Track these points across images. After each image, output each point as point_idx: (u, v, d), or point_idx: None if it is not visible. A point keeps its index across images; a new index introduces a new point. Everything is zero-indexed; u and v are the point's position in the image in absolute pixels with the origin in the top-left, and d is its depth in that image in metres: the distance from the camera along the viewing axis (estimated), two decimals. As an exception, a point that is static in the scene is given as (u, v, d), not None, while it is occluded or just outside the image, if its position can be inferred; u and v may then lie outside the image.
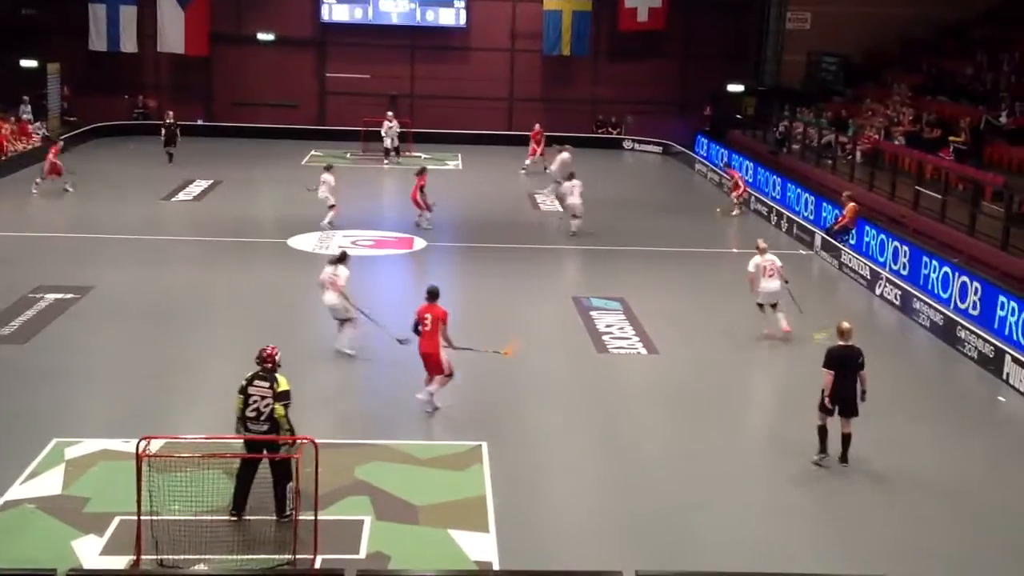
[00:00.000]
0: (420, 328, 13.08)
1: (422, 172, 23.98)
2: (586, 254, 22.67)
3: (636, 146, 38.82)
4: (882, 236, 21.57)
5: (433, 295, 13.26)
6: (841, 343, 12.08)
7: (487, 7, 38.61)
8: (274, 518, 10.15)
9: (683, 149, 36.88)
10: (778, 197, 27.92)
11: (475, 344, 13.76)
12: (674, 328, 17.24)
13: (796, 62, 37.37)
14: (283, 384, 10.28)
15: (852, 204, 22.82)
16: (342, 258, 15.28)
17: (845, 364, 11.93)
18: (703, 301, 19.27)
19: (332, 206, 23.10)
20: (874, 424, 12.64)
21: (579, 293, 18.92)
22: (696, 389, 14.65)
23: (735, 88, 37.47)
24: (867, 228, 22.30)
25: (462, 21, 38.46)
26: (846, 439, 12.00)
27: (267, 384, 10.24)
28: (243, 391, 10.27)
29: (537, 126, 33.71)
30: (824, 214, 24.42)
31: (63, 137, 33.88)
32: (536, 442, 12.77)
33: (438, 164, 33.96)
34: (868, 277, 20.26)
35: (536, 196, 28.87)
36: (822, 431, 12.05)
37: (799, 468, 12.02)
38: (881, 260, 21.10)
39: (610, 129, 39.37)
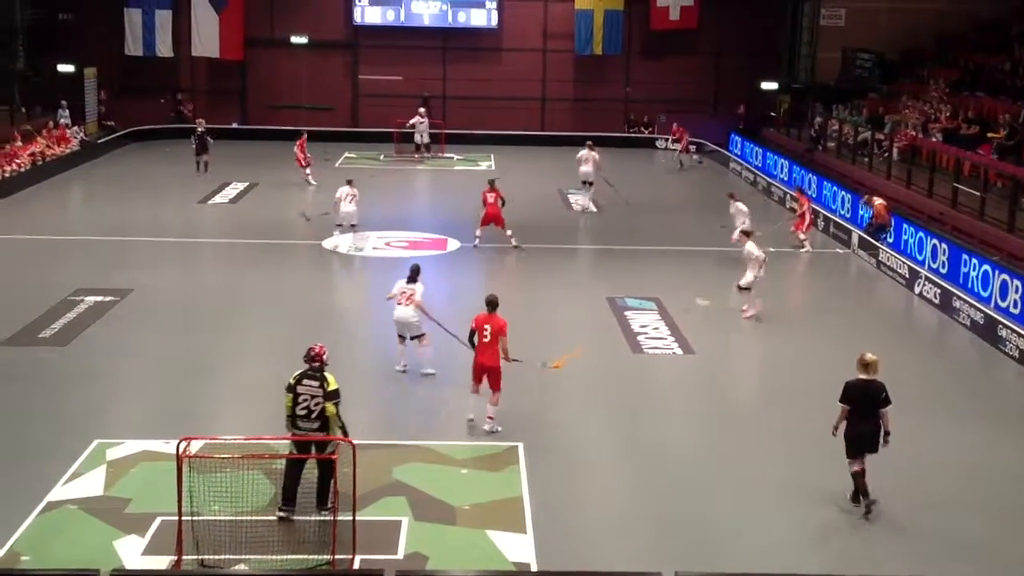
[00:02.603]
0: (476, 339, 12.66)
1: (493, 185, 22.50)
2: (620, 254, 22.61)
3: (669, 145, 38.64)
4: (920, 234, 21.35)
5: (493, 304, 12.70)
6: (863, 376, 10.83)
7: (519, 8, 38.62)
8: (313, 518, 10.20)
9: (717, 148, 36.71)
10: (814, 196, 27.68)
11: (526, 356, 13.36)
12: (710, 328, 17.16)
13: (831, 59, 37.07)
14: (332, 383, 10.36)
15: (879, 201, 22.63)
16: (416, 273, 14.63)
17: (865, 400, 10.76)
18: (739, 301, 19.14)
19: (339, 224, 22.09)
20: (913, 422, 12.51)
21: (613, 293, 18.87)
22: (732, 390, 14.59)
23: (769, 86, 37.24)
24: (905, 226, 22.09)
25: (494, 22, 38.50)
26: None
27: (317, 383, 10.32)
28: (291, 389, 10.34)
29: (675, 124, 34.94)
30: (861, 212, 24.21)
31: (100, 141, 34.35)
32: (572, 443, 12.75)
33: (471, 165, 34.05)
34: (907, 276, 20.06)
35: (569, 196, 28.83)
36: (857, 478, 10.87)
37: (834, 471, 11.90)
38: (920, 258, 20.89)
39: (642, 128, 39.25)
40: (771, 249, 23.28)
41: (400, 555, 9.84)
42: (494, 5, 38.27)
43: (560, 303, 18.68)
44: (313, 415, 10.28)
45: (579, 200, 27.29)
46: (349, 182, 22.05)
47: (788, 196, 27.76)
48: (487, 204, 22.09)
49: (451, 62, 38.86)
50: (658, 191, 30.85)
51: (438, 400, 13.79)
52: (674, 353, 15.90)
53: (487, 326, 12.62)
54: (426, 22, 38.44)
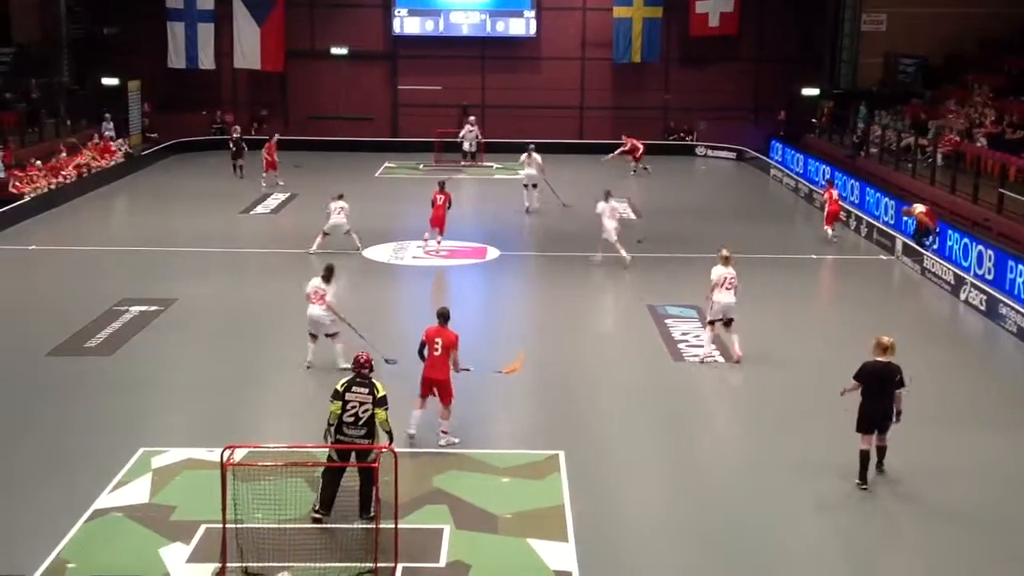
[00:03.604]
0: (427, 352, 12.35)
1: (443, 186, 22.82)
2: (660, 261, 22.50)
3: (709, 152, 38.51)
4: (965, 240, 21.08)
5: (444, 317, 12.48)
6: (879, 359, 11.22)
7: (557, 16, 38.68)
8: (356, 526, 10.23)
9: (757, 155, 36.50)
10: (857, 202, 27.45)
11: (475, 365, 12.98)
12: (753, 336, 16.98)
13: (873, 64, 36.78)
14: (381, 389, 10.43)
15: (920, 208, 22.39)
16: (330, 272, 14.98)
17: (880, 381, 11.14)
18: (780, 307, 19.02)
19: (326, 233, 22.24)
20: (958, 430, 12.34)
21: (654, 301, 18.79)
22: (774, 398, 14.44)
23: (810, 92, 36.99)
24: (950, 232, 21.81)
25: (532, 31, 38.57)
26: (881, 451, 11.53)
27: (366, 390, 10.37)
28: (339, 396, 10.37)
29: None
30: (904, 220, 23.94)
31: (144, 153, 34.81)
32: (613, 451, 12.71)
33: (510, 173, 34.07)
34: (952, 282, 19.80)
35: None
36: (863, 457, 11.34)
37: (882, 482, 11.77)
38: (965, 265, 20.61)
39: (681, 135, 39.13)
40: (814, 256, 23.30)
41: (442, 563, 9.85)
42: (532, 14, 38.35)
43: (600, 311, 18.64)
44: (361, 422, 10.33)
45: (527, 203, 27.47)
46: (340, 196, 22.10)
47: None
48: (435, 206, 22.25)
49: (490, 71, 38.97)
50: (699, 198, 30.72)
51: (478, 409, 13.78)
52: (716, 361, 15.79)
53: (438, 339, 12.29)
54: (465, 32, 38.59)
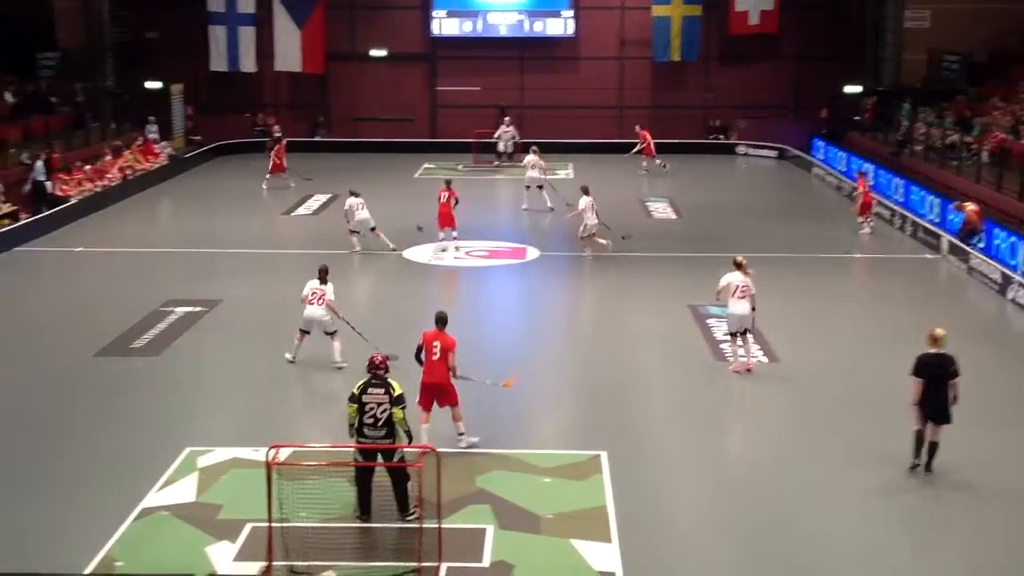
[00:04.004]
0: (424, 356, 12.15)
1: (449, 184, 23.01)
2: (701, 261, 22.37)
3: (750, 151, 38.25)
4: (1013, 239, 20.77)
5: (442, 321, 12.28)
6: (932, 350, 11.57)
7: (595, 16, 38.60)
8: (399, 525, 10.28)
9: (799, 153, 36.21)
10: (901, 200, 27.16)
11: (476, 375, 12.88)
12: (796, 336, 16.90)
13: (916, 61, 36.35)
14: (398, 388, 10.46)
15: (971, 206, 22.11)
16: (325, 273, 15.29)
17: (936, 372, 11.48)
18: (824, 308, 18.88)
19: (354, 231, 22.57)
20: (1006, 431, 12.17)
21: (695, 301, 18.68)
22: (819, 399, 14.32)
23: (852, 89, 36.63)
24: (996, 231, 21.51)
25: (570, 31, 38.52)
26: (933, 448, 11.61)
27: (382, 390, 10.39)
28: (356, 399, 10.41)
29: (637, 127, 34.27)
30: (950, 216, 23.66)
31: (187, 156, 35.19)
32: (655, 451, 12.67)
33: (549, 174, 34.03)
34: (999, 281, 19.52)
35: (648, 204, 28.69)
36: (918, 436, 11.67)
37: (929, 482, 11.65)
38: (1012, 263, 20.31)
39: (717, 135, 38.86)
40: (858, 255, 23.07)
41: (486, 563, 9.86)
42: (571, 14, 38.31)
43: (641, 311, 18.55)
44: (380, 423, 10.35)
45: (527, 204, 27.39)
46: (355, 193, 22.52)
47: (874, 201, 27.26)
48: (439, 203, 22.43)
49: (528, 72, 38.98)
50: (740, 197, 30.51)
51: (520, 409, 13.79)
52: (759, 361, 15.69)
53: (436, 343, 12.11)
54: (503, 32, 38.63)
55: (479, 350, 16.37)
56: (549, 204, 26.81)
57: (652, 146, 33.63)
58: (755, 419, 13.80)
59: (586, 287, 20.61)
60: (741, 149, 38.36)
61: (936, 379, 11.45)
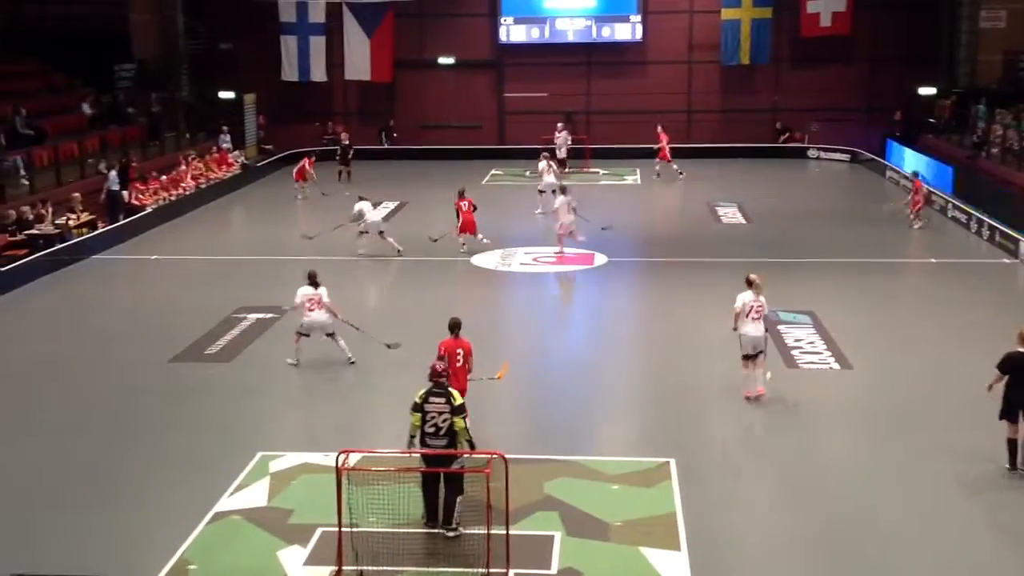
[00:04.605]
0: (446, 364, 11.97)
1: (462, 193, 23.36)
2: (772, 266, 22.05)
3: (822, 154, 37.72)
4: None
5: (457, 327, 12.35)
6: (1021, 349, 11.64)
7: (663, 20, 38.39)
8: (468, 531, 10.28)
9: (872, 156, 35.60)
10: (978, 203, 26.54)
11: (472, 373, 12.71)
12: (869, 342, 16.61)
13: (992, 62, 35.53)
14: (458, 398, 10.46)
15: None
16: (315, 278, 15.56)
17: (1023, 369, 11.57)
18: (899, 314, 18.53)
19: (363, 232, 23.04)
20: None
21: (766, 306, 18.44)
22: (893, 405, 14.04)
23: (927, 91, 35.92)
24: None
25: (638, 35, 38.36)
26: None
27: (443, 399, 10.39)
28: (419, 408, 10.42)
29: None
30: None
31: (259, 165, 35.74)
32: (724, 459, 12.54)
33: (616, 179, 33.97)
34: (1081, 286, 18.99)
35: (717, 208, 28.44)
36: (1011, 444, 11.64)
37: (1002, 486, 11.35)
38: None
39: (788, 137, 38.34)
40: (933, 260, 22.59)
41: (554, 570, 9.84)
42: (639, 19, 38.15)
43: (710, 317, 18.35)
44: (441, 432, 10.35)
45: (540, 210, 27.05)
46: (362, 198, 23.33)
47: (950, 205, 26.75)
48: (462, 212, 22.78)
49: (595, 77, 38.90)
50: (811, 201, 30.09)
51: (587, 415, 13.75)
52: (831, 368, 15.44)
53: (459, 350, 12.20)
54: (570, 38, 38.60)
55: (549, 355, 16.46)
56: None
57: (667, 150, 33.47)
58: (828, 426, 13.56)
59: (654, 293, 20.47)
60: (813, 153, 37.84)
61: (1022, 377, 11.52)
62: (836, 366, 15.50)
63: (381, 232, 22.91)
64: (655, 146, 33.88)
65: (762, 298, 13.85)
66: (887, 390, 14.66)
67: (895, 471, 12.03)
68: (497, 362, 15.50)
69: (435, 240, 23.35)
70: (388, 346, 15.49)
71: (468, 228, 22.83)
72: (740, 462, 12.45)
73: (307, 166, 30.94)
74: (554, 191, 27.10)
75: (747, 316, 13.77)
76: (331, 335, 15.54)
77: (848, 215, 27.86)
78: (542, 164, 27.71)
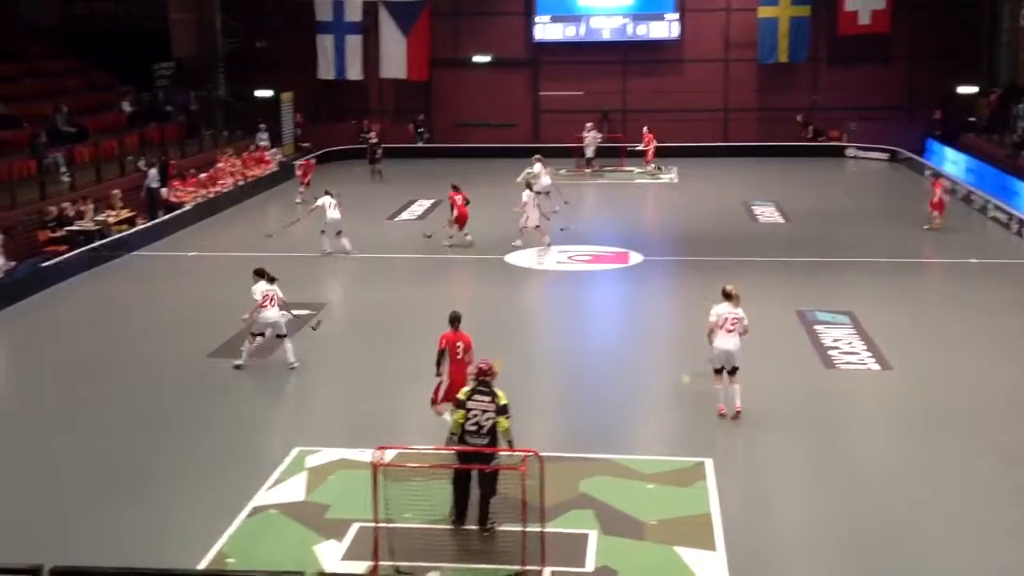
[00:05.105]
0: (447, 358, 12.24)
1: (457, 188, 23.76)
2: (809, 266, 21.96)
3: (860, 153, 37.39)
4: None
5: (457, 321, 12.45)
6: None
7: (700, 18, 38.22)
8: (502, 528, 10.29)
9: (911, 155, 35.24)
10: (1019, 204, 26.20)
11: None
12: (909, 343, 16.44)
13: (1034, 60, 35.06)
14: (503, 397, 10.44)
15: None
16: (264, 273, 15.62)
17: None
18: (939, 314, 18.34)
19: (323, 231, 23.13)
20: None
21: (803, 307, 18.35)
22: (933, 406, 13.90)
23: (967, 90, 35.49)
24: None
25: (675, 33, 38.22)
26: None
27: (488, 398, 10.39)
28: (462, 405, 10.44)
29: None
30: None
31: (295, 163, 35.97)
32: (761, 459, 12.46)
33: (652, 178, 33.85)
34: (1125, 287, 18.70)
35: (754, 207, 28.27)
36: None
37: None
38: None
39: (815, 133, 37.99)
40: (973, 260, 22.31)
41: (589, 568, 9.82)
42: (675, 17, 38.01)
43: (747, 317, 18.25)
44: (483, 430, 10.35)
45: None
46: (328, 192, 23.19)
47: (990, 205, 26.44)
48: (457, 206, 23.17)
49: (631, 75, 38.79)
50: (850, 201, 29.85)
51: (623, 414, 13.71)
52: (869, 369, 15.31)
53: (459, 343, 12.27)
54: (606, 36, 38.52)
55: (584, 353, 16.44)
56: (555, 207, 26.59)
57: (652, 152, 33.82)
58: (866, 427, 13.44)
59: (691, 292, 20.33)
60: (851, 151, 37.53)
61: None
62: (875, 366, 15.37)
63: (339, 232, 23.00)
64: (640, 147, 33.96)
65: (739, 310, 13.21)
66: (927, 391, 14.51)
67: (935, 472, 11.90)
68: (531, 360, 15.53)
69: (428, 236, 23.73)
70: (313, 328, 15.84)
71: (461, 222, 23.27)
72: (777, 462, 12.36)
73: (307, 169, 30.73)
74: (547, 192, 27.08)
75: (721, 328, 13.15)
76: (282, 336, 15.48)
77: (887, 214, 27.61)
78: (537, 167, 27.50)
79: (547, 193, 26.88)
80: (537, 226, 22.95)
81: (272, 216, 27.90)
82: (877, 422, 13.63)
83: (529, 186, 23.44)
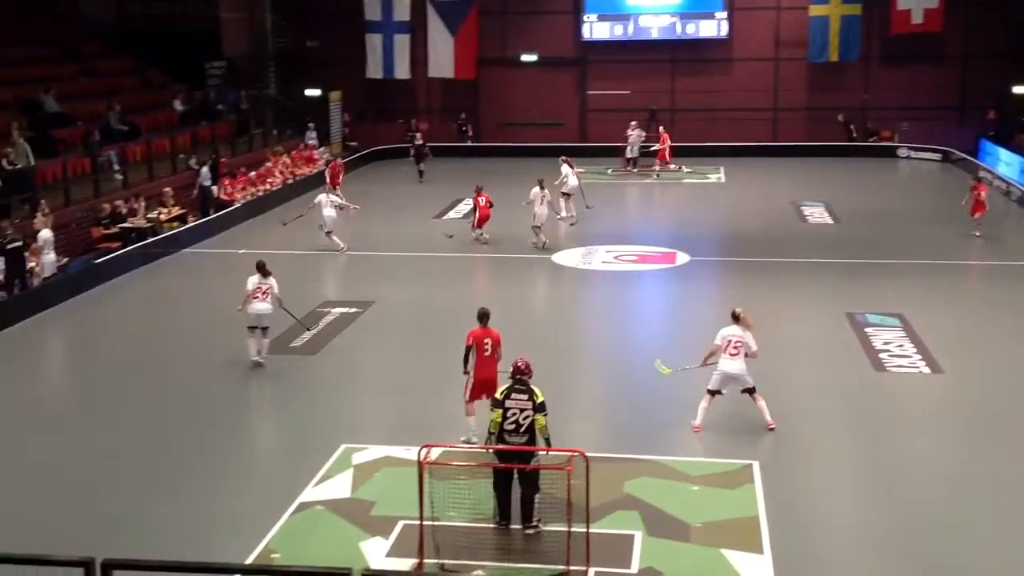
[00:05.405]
0: (475, 355, 12.19)
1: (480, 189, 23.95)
2: (859, 268, 21.71)
3: (912, 154, 36.89)
4: None
5: (486, 317, 12.39)
6: None
7: (749, 16, 37.90)
8: (547, 528, 10.27)
9: (965, 156, 34.70)
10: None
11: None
12: (960, 346, 16.20)
13: (1091, 58, 34.38)
14: (540, 395, 10.41)
15: None
16: (264, 267, 15.76)
17: None
18: (991, 317, 18.03)
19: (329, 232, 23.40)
20: None
21: (853, 309, 18.14)
22: (986, 411, 13.67)
23: (1022, 90, 34.86)
24: None
25: (724, 32, 37.95)
26: None
27: (525, 396, 10.37)
28: (499, 404, 10.42)
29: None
30: None
31: (345, 160, 36.19)
32: (809, 462, 12.32)
33: (700, 178, 33.65)
34: None
35: (803, 208, 27.99)
36: None
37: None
38: None
39: (851, 135, 37.50)
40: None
41: (634, 569, 9.79)
42: (724, 15, 37.74)
43: (796, 319, 18.10)
44: (522, 429, 10.33)
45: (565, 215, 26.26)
46: (326, 191, 24.01)
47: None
48: (479, 207, 23.52)
49: (679, 74, 38.58)
50: (901, 202, 29.46)
51: (670, 415, 13.64)
52: (920, 372, 15.10)
53: (487, 340, 12.22)
54: (654, 35, 38.34)
55: (630, 353, 16.37)
56: (573, 212, 26.14)
57: (667, 151, 33.40)
58: (916, 430, 13.26)
59: (739, 293, 20.16)
60: (903, 152, 37.04)
61: None
62: (926, 370, 15.16)
63: (329, 232, 23.20)
64: (655, 147, 33.70)
65: (748, 334, 12.85)
66: (978, 395, 14.29)
67: (986, 477, 11.71)
68: (577, 360, 15.51)
69: (450, 236, 23.99)
70: (299, 321, 16.20)
71: (481, 223, 23.56)
72: (826, 466, 12.23)
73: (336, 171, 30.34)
74: (571, 194, 26.73)
75: (724, 351, 12.84)
76: (264, 329, 15.59)
77: (938, 216, 27.19)
78: (564, 168, 26.96)
79: (570, 195, 26.64)
80: (539, 225, 23.08)
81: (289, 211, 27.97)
82: (927, 425, 13.44)
83: (540, 184, 23.35)
